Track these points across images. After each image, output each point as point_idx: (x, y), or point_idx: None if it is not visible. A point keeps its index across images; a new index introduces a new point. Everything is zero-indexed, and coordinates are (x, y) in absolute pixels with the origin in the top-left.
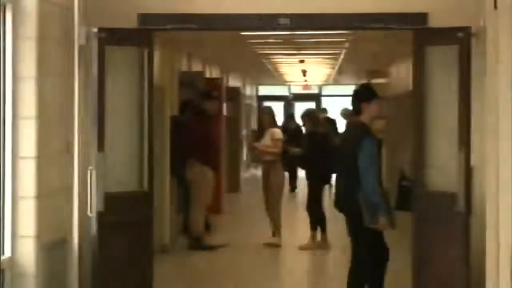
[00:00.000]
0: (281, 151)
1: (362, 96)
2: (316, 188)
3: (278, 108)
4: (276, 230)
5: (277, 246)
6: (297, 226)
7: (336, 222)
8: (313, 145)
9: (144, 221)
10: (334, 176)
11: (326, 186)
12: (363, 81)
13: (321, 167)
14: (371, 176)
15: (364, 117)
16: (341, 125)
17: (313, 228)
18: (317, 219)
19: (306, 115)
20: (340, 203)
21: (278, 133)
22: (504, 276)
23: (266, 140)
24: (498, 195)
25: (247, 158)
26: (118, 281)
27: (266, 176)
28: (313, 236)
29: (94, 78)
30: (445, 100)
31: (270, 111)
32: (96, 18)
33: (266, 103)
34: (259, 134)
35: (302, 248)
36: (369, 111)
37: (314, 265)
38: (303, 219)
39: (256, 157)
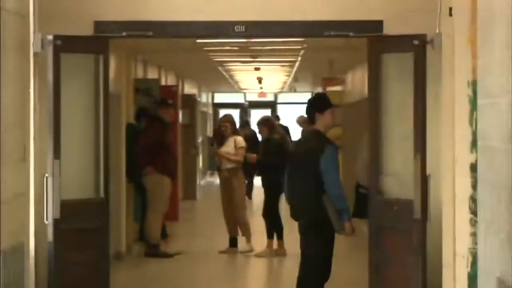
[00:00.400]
0: (242, 159)
1: (315, 106)
2: (272, 195)
3: (233, 116)
4: (247, 236)
5: (250, 252)
6: (253, 233)
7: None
8: (269, 152)
9: (101, 228)
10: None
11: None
12: (319, 88)
13: (277, 174)
14: (337, 182)
15: (318, 126)
16: (296, 133)
17: (270, 236)
18: (274, 226)
19: (262, 122)
20: (296, 212)
21: (242, 141)
22: (461, 284)
23: (229, 148)
24: (454, 203)
25: (204, 165)
26: None
27: (227, 184)
28: (269, 244)
29: (49, 85)
30: (401, 107)
31: (231, 119)
32: (52, 25)
33: (222, 111)
34: (218, 141)
35: (259, 255)
36: (323, 120)
37: (271, 272)
38: (259, 226)
39: (217, 165)
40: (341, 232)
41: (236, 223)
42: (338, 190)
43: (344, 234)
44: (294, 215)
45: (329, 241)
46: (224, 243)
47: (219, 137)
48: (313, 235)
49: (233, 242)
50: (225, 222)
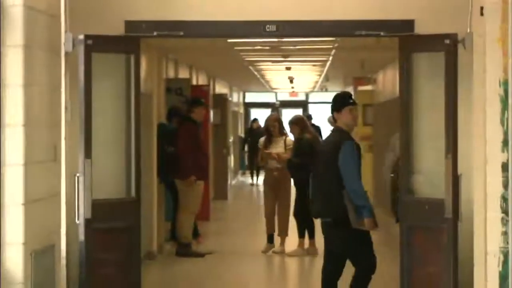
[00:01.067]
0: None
1: (333, 105)
2: (304, 194)
3: (265, 115)
4: (283, 237)
5: (283, 252)
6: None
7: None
8: (300, 152)
9: (132, 228)
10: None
11: None
12: (350, 88)
13: (309, 173)
14: (354, 177)
15: (340, 124)
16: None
17: (301, 235)
18: (305, 226)
19: (294, 121)
20: (317, 211)
21: (291, 142)
22: (492, 282)
23: (279, 148)
24: (486, 202)
25: (235, 165)
26: None
27: (275, 183)
28: (301, 243)
29: (80, 85)
30: (432, 106)
31: (279, 118)
32: (83, 25)
33: (253, 110)
34: (266, 141)
35: (290, 254)
36: (341, 119)
37: (302, 271)
38: (291, 226)
39: (257, 165)
40: (358, 227)
41: (278, 223)
42: (354, 186)
43: (364, 228)
44: (315, 213)
45: (355, 238)
46: (256, 242)
47: (267, 136)
48: (334, 234)
49: (271, 239)
50: (266, 221)
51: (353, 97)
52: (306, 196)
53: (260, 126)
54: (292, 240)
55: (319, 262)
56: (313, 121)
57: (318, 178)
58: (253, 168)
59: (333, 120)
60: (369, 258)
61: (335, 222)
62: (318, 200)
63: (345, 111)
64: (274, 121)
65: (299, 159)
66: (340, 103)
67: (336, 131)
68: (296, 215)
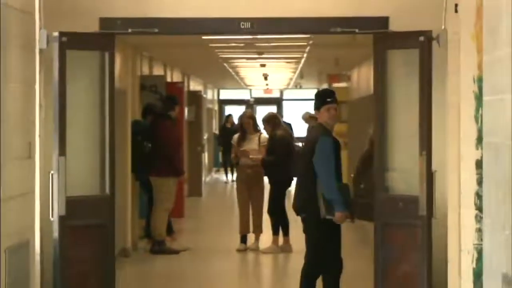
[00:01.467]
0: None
1: (314, 103)
2: (277, 191)
3: (239, 112)
4: (258, 234)
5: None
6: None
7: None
8: (273, 149)
9: (106, 225)
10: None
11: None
12: (325, 85)
13: (282, 169)
14: (326, 172)
15: (321, 121)
16: (301, 129)
17: (275, 232)
18: (280, 223)
19: (265, 120)
20: (298, 206)
21: (266, 139)
22: (466, 280)
23: (253, 145)
24: (460, 199)
25: (209, 162)
26: (80, 286)
27: (248, 181)
28: (275, 240)
29: (55, 82)
30: (407, 104)
31: (252, 115)
32: (57, 22)
33: (228, 107)
34: (240, 137)
35: (265, 251)
36: (321, 117)
37: (276, 268)
38: (264, 222)
39: (231, 161)
40: (327, 217)
41: (253, 220)
42: (327, 180)
43: (335, 221)
44: (296, 210)
45: (323, 231)
46: (230, 239)
47: (241, 133)
48: (309, 228)
49: (244, 239)
50: (240, 219)
51: (335, 95)
52: (281, 193)
53: (234, 123)
54: (266, 237)
55: (294, 259)
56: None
57: (298, 174)
58: (227, 165)
59: (310, 117)
60: (335, 257)
61: (309, 216)
62: (298, 196)
63: (323, 110)
64: (248, 118)
65: (272, 156)
66: (319, 101)
67: (316, 127)
68: (270, 212)
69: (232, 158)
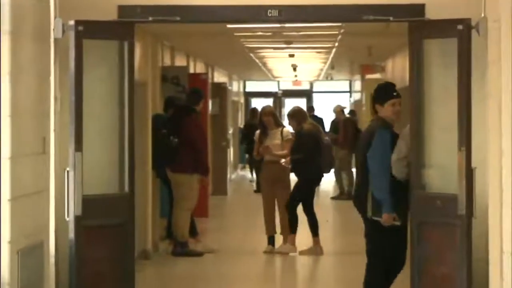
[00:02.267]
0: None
1: (376, 97)
2: (307, 189)
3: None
4: (286, 236)
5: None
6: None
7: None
8: (301, 146)
9: (125, 225)
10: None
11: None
12: (357, 76)
13: (311, 167)
14: (379, 168)
15: (384, 116)
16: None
17: (293, 230)
18: (309, 222)
19: (290, 114)
20: (355, 202)
21: (289, 133)
22: (508, 282)
23: (276, 140)
24: (501, 197)
25: (235, 158)
26: None
27: (273, 178)
28: (291, 239)
29: (71, 73)
30: (444, 96)
31: (272, 110)
32: (73, 10)
33: (254, 100)
34: (261, 133)
35: (303, 253)
36: (385, 112)
37: (306, 272)
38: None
39: (256, 158)
40: (374, 217)
41: (280, 220)
42: (379, 177)
43: (383, 223)
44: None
45: (387, 236)
46: (257, 239)
47: (262, 128)
48: (367, 230)
49: (272, 241)
50: (265, 219)
51: (396, 88)
52: (310, 191)
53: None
54: (300, 238)
55: (325, 262)
56: (315, 113)
57: (357, 172)
58: (251, 162)
59: (340, 110)
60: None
61: (361, 214)
62: (354, 194)
63: (388, 105)
64: (267, 115)
65: (300, 154)
66: (383, 96)
67: (376, 120)
68: (288, 208)
69: (255, 155)
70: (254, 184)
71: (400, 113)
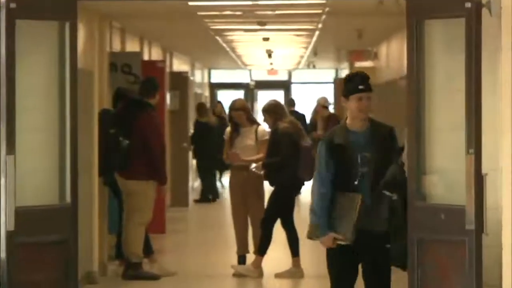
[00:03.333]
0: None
1: (343, 90)
2: (283, 198)
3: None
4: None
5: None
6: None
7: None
8: (276, 148)
9: (67, 243)
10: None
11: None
12: (345, 64)
13: (288, 172)
14: (314, 189)
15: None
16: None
17: (261, 251)
18: (290, 240)
19: (265, 110)
20: None
21: (265, 132)
22: None
23: (249, 140)
24: None
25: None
26: None
27: (244, 186)
28: (257, 261)
29: (1, 61)
30: (449, 88)
31: (244, 105)
32: None
33: (221, 92)
34: (232, 132)
35: (280, 276)
36: (348, 107)
37: None
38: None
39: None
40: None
41: (253, 237)
42: (313, 195)
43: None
44: None
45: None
46: (225, 260)
47: (233, 126)
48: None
49: (243, 261)
50: (236, 236)
51: (367, 80)
52: (287, 201)
53: (223, 112)
54: (274, 257)
55: (306, 286)
56: (296, 108)
57: None
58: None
59: (323, 105)
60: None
61: None
62: None
63: (352, 99)
64: (238, 110)
65: (276, 157)
66: (348, 88)
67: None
68: (263, 224)
69: (224, 158)
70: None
71: (365, 108)
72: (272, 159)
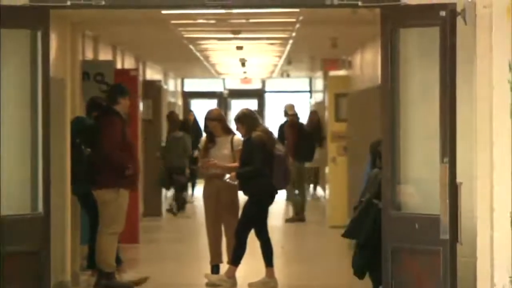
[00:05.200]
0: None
1: None
2: (256, 208)
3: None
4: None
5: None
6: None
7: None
8: (249, 156)
9: (39, 253)
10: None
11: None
12: (319, 73)
13: (260, 183)
14: None
15: None
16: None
17: (235, 261)
18: (263, 248)
19: (237, 118)
20: None
21: (240, 142)
22: None
23: (225, 150)
24: (492, 218)
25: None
26: None
27: (218, 195)
28: (230, 271)
29: None
30: (424, 97)
31: (219, 115)
32: None
33: (195, 101)
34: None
35: (253, 285)
36: None
37: None
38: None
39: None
40: None
41: (227, 246)
42: None
43: None
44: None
45: None
46: (198, 271)
47: (209, 136)
48: None
49: (216, 271)
50: (209, 245)
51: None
52: (260, 211)
53: (195, 119)
54: (250, 267)
55: None
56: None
57: None
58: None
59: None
60: None
61: None
62: None
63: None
64: (213, 120)
65: (248, 167)
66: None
67: None
68: (237, 233)
69: (200, 167)
70: (175, 204)
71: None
72: (245, 169)
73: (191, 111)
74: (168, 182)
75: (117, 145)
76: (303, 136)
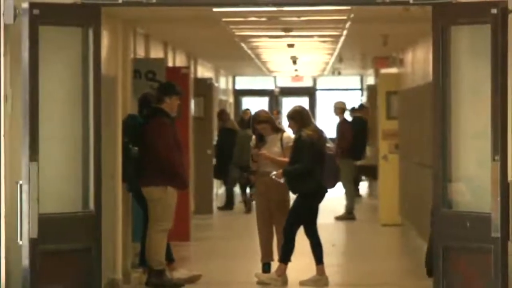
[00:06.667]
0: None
1: None
2: (306, 206)
3: (262, 106)
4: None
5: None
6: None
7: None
8: (297, 156)
9: (90, 251)
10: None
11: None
12: (370, 71)
13: (309, 180)
14: None
15: None
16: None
17: (285, 258)
18: (314, 246)
19: (289, 115)
20: None
21: (290, 139)
22: None
23: (275, 148)
24: None
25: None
26: None
27: (268, 193)
28: (281, 268)
29: (24, 67)
30: (475, 95)
31: (268, 117)
32: None
33: (246, 99)
34: (257, 139)
35: (304, 283)
36: None
37: None
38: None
39: (251, 169)
40: None
41: (278, 244)
42: None
43: None
44: None
45: None
46: (249, 268)
47: (258, 136)
48: None
49: (267, 268)
50: (260, 243)
51: None
52: (310, 209)
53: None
54: (299, 265)
55: None
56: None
57: None
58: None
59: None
60: None
61: None
62: None
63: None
64: (261, 123)
65: (297, 165)
66: None
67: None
68: (285, 231)
69: (251, 164)
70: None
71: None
72: (292, 167)
73: (247, 109)
74: (238, 181)
75: (171, 148)
76: (360, 134)
